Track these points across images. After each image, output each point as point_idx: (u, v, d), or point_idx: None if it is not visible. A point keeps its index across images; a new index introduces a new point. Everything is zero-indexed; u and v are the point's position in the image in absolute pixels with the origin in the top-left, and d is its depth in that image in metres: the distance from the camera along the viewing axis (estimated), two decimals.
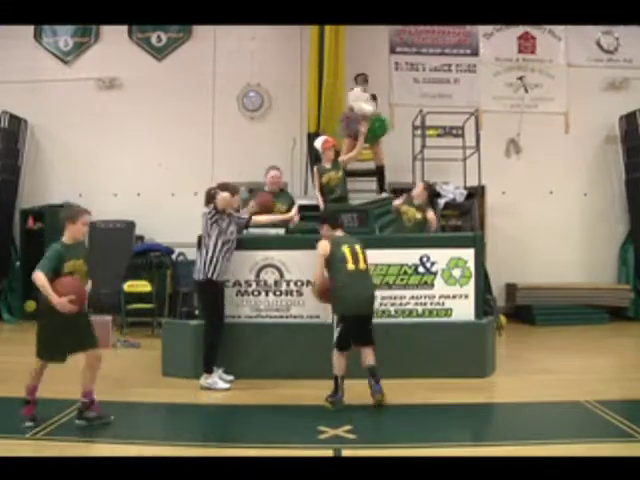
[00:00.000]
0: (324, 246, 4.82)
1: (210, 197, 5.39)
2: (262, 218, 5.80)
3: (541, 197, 10.00)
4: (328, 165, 6.82)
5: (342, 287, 4.72)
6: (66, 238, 4.20)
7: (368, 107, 7.62)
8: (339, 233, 4.97)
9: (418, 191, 6.54)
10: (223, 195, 5.24)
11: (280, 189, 6.62)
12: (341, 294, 4.73)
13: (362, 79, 8.08)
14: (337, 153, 7.06)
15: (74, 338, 4.10)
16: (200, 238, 5.43)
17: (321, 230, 5.06)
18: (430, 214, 6.46)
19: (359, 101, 7.67)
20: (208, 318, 5.34)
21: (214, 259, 5.23)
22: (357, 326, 4.75)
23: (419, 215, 6.42)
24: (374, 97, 7.94)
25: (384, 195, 7.69)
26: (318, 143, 7.04)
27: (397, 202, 6.73)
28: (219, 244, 5.26)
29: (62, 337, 4.05)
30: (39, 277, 3.91)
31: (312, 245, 5.66)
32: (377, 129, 7.63)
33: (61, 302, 3.87)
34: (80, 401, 4.18)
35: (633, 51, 10.25)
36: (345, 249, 4.77)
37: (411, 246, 5.69)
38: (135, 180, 9.90)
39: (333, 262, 4.76)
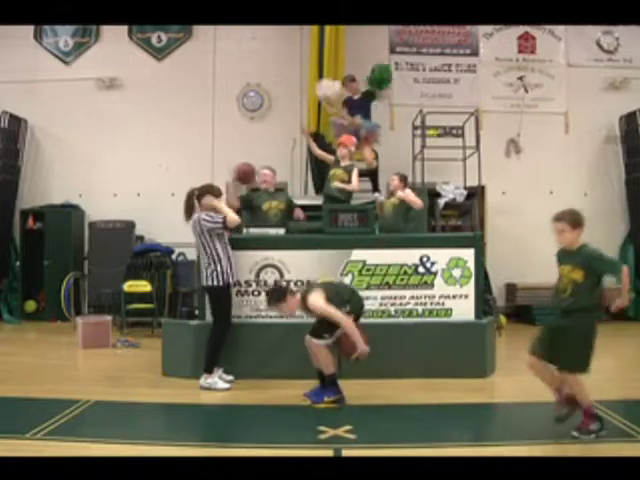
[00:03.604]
0: None
1: (195, 201, 5.27)
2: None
3: (541, 197, 9.98)
4: (342, 163, 6.65)
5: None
6: None
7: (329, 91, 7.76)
8: None
9: (395, 184, 6.59)
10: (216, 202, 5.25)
11: (275, 189, 6.58)
12: None
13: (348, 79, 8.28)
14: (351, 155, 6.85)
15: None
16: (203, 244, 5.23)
17: None
18: (406, 191, 6.46)
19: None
20: (219, 320, 5.27)
21: (227, 263, 5.22)
22: None
23: (396, 201, 6.50)
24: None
25: (376, 195, 7.67)
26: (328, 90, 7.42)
27: (381, 199, 6.92)
28: (227, 247, 5.27)
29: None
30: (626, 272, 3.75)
31: (312, 245, 5.69)
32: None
33: None
34: (583, 415, 3.89)
35: (633, 51, 10.26)
36: None
37: (411, 246, 5.69)
38: (135, 180, 9.91)
39: None
